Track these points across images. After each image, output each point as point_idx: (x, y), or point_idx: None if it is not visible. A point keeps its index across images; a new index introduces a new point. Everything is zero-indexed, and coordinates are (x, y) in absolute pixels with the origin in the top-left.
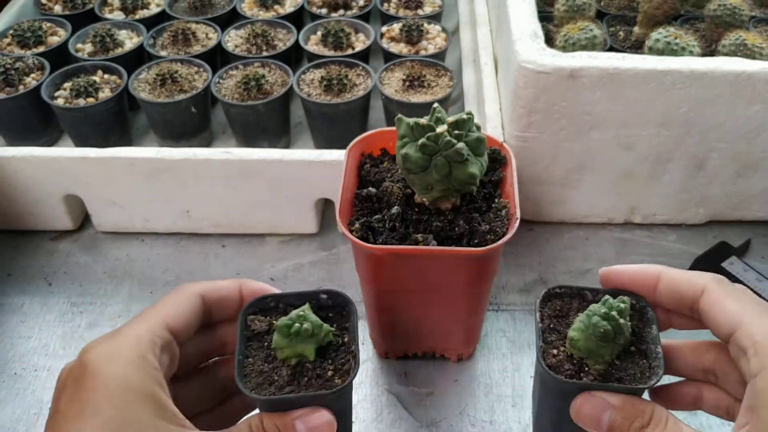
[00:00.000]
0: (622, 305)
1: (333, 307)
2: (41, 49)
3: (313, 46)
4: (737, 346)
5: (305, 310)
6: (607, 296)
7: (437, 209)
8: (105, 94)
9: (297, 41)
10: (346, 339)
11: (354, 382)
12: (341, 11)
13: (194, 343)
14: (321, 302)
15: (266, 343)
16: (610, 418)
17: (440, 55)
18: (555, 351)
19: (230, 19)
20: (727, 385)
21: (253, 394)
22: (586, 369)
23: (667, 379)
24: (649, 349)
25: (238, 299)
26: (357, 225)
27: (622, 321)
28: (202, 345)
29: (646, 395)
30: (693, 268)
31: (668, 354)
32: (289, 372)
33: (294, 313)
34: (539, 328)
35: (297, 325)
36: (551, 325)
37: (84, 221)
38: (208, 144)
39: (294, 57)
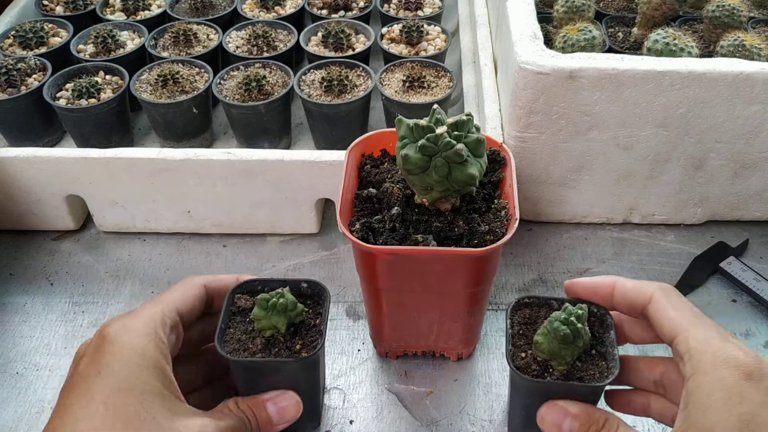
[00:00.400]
0: (579, 311)
1: (312, 295)
2: (43, 50)
3: (313, 47)
4: (676, 351)
5: (284, 290)
6: (567, 304)
7: (437, 210)
8: (107, 94)
9: (298, 42)
10: (317, 321)
11: (354, 381)
12: (342, 12)
13: (196, 328)
14: (302, 290)
15: (248, 319)
16: (570, 424)
17: (440, 56)
18: (523, 354)
19: (231, 20)
20: (674, 395)
21: (228, 356)
22: (551, 370)
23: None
24: (608, 351)
25: (234, 281)
26: (357, 225)
27: (580, 325)
28: (201, 330)
29: (602, 403)
30: (691, 267)
31: (624, 365)
32: (263, 342)
33: (274, 291)
34: (509, 333)
35: (274, 299)
36: (520, 331)
37: (86, 221)
38: (209, 144)
39: (295, 58)
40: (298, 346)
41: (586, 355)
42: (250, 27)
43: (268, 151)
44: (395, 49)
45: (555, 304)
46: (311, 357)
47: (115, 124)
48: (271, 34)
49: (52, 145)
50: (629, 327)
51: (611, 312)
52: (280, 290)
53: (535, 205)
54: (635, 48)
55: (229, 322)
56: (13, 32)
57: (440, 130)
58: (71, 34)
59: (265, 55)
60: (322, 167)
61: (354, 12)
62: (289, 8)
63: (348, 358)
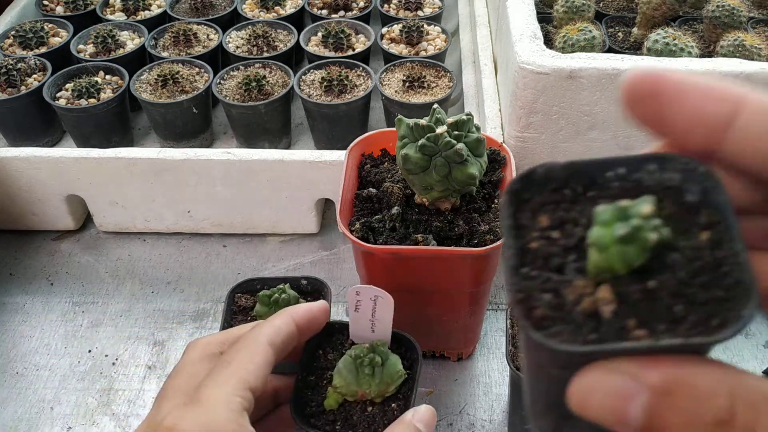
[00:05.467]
0: None
1: (312, 292)
2: (43, 50)
3: (313, 47)
4: None
5: (284, 287)
6: None
7: (437, 209)
8: (106, 94)
9: (298, 42)
10: None
11: None
12: (342, 12)
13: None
14: (301, 287)
15: (249, 318)
16: (645, 406)
17: (440, 56)
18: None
19: (231, 20)
20: None
21: None
22: None
23: None
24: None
25: (296, 334)
26: (357, 225)
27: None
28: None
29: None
30: None
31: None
32: None
33: (275, 288)
34: (509, 333)
35: (276, 295)
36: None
37: (86, 221)
38: (209, 144)
39: (295, 58)
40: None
41: None
42: (250, 27)
43: (268, 151)
44: (395, 49)
45: None
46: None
47: (115, 124)
48: (271, 34)
49: (52, 145)
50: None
51: (704, 165)
52: (281, 286)
53: None
54: (635, 48)
55: (231, 321)
56: (13, 32)
57: (440, 129)
58: (71, 34)
59: (265, 55)
60: (322, 167)
61: (354, 12)
62: (289, 8)
63: None
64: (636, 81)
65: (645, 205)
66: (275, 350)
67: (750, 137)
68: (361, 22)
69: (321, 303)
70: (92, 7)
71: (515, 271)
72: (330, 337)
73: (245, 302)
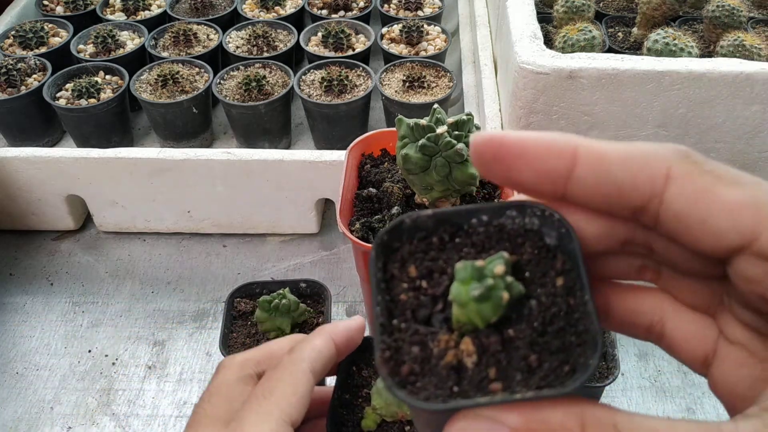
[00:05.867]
0: None
1: (311, 295)
2: (43, 50)
3: (313, 47)
4: (765, 261)
5: (284, 291)
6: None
7: None
8: (106, 94)
9: (298, 42)
10: (321, 320)
11: None
12: (342, 12)
13: None
14: (300, 290)
15: (249, 322)
16: None
17: (440, 56)
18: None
19: (231, 20)
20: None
21: None
22: None
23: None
24: (607, 351)
25: (335, 355)
26: (357, 225)
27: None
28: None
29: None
30: None
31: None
32: None
33: (275, 293)
34: None
35: (276, 300)
36: None
37: (86, 221)
38: (209, 144)
39: (295, 58)
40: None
41: None
42: (250, 27)
43: (268, 151)
44: (395, 49)
45: None
46: None
47: (115, 124)
48: (271, 34)
49: (52, 145)
50: (605, 243)
51: (558, 213)
52: (281, 291)
53: None
54: (635, 48)
55: (231, 326)
56: (13, 32)
57: (441, 129)
58: (71, 34)
59: (265, 55)
60: (322, 167)
61: (354, 12)
62: (289, 8)
63: None
64: (480, 147)
65: (498, 266)
66: (316, 377)
67: (587, 186)
68: (361, 22)
69: (358, 320)
70: (92, 7)
71: (383, 329)
72: (363, 353)
73: (245, 307)
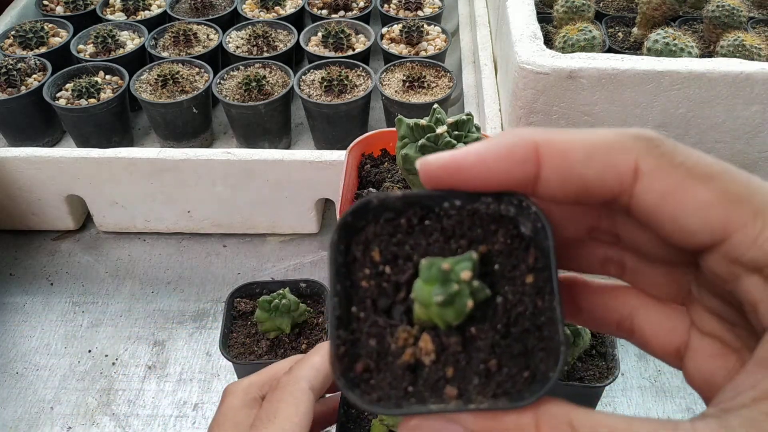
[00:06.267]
0: None
1: (311, 295)
2: (43, 50)
3: (313, 47)
4: (735, 262)
5: (284, 291)
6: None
7: None
8: (106, 94)
9: (298, 42)
10: (320, 320)
11: None
12: (342, 12)
13: None
14: (301, 290)
15: (249, 322)
16: None
17: (440, 56)
18: None
19: (231, 20)
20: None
21: (234, 361)
22: None
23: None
24: (607, 351)
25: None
26: None
27: (579, 326)
28: None
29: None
30: None
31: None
32: (268, 344)
33: (275, 293)
34: None
35: (276, 300)
36: None
37: (86, 221)
38: (209, 144)
39: (295, 58)
40: (303, 346)
41: (586, 354)
42: (250, 27)
43: (268, 151)
44: (395, 49)
45: None
46: None
47: (115, 124)
48: (271, 34)
49: (52, 146)
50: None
51: (536, 206)
52: (281, 291)
53: None
54: (635, 48)
55: (231, 326)
56: (13, 32)
57: (440, 129)
58: (71, 34)
59: (265, 55)
60: (322, 167)
61: (354, 12)
62: (289, 8)
63: None
64: (433, 175)
65: (465, 271)
66: (316, 394)
67: (554, 186)
68: (361, 22)
69: None
70: (92, 7)
71: (339, 322)
72: None
73: (245, 307)
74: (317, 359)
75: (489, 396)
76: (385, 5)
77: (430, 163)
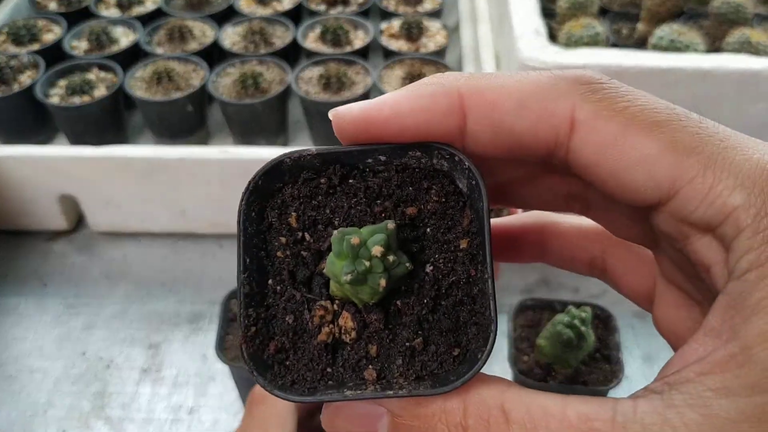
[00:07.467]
0: (584, 314)
1: None
2: (36, 46)
3: (311, 43)
4: (684, 222)
5: None
6: (570, 307)
7: None
8: (100, 92)
9: (295, 38)
10: None
11: None
12: (340, 8)
13: None
14: None
15: None
16: (388, 428)
17: (441, 52)
18: (525, 357)
19: (227, 15)
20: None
21: (231, 364)
22: (553, 373)
23: None
24: (612, 354)
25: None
26: None
27: (583, 329)
28: None
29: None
30: None
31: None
32: None
33: None
34: (511, 336)
35: None
36: (523, 334)
37: (79, 222)
38: (204, 142)
39: (292, 54)
40: None
41: (590, 358)
42: (246, 23)
43: (265, 149)
44: (395, 45)
45: (558, 306)
46: None
47: (109, 121)
48: (268, 30)
49: (45, 144)
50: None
51: (468, 160)
52: None
53: None
54: (640, 44)
55: (227, 329)
56: (5, 29)
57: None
58: (65, 31)
59: (262, 51)
60: None
61: (353, 7)
62: (286, 3)
63: None
64: (345, 128)
65: (376, 246)
66: (301, 407)
67: (483, 141)
68: (360, 18)
69: None
70: (86, 3)
71: (249, 301)
72: None
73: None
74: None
75: (412, 378)
76: (384, 0)
77: (340, 115)
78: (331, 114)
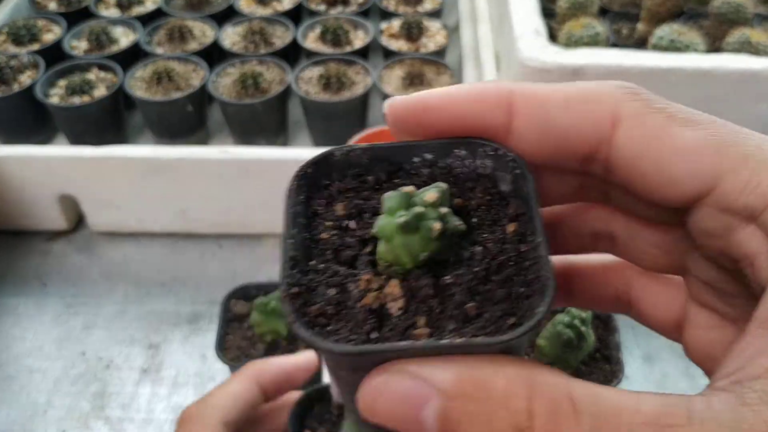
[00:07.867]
0: (584, 314)
1: None
2: (36, 46)
3: (311, 43)
4: (727, 211)
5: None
6: (569, 307)
7: None
8: (100, 92)
9: (295, 38)
10: None
11: None
12: (340, 8)
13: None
14: None
15: (245, 325)
16: (438, 412)
17: (441, 52)
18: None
19: (227, 15)
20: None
21: (230, 364)
22: None
23: None
24: (612, 354)
25: (261, 400)
26: None
27: (583, 329)
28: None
29: None
30: None
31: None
32: (265, 347)
33: (271, 295)
34: None
35: (273, 303)
36: None
37: (79, 222)
38: (204, 142)
39: (292, 54)
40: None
41: (590, 358)
42: (246, 23)
43: (265, 149)
44: (395, 45)
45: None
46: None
47: (109, 121)
48: (268, 30)
49: (45, 144)
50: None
51: (512, 152)
52: (277, 293)
53: None
54: (640, 44)
55: (227, 329)
56: (5, 29)
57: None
58: (65, 31)
59: (262, 51)
60: None
61: (353, 7)
62: (286, 3)
63: None
64: (399, 115)
65: (429, 192)
66: (231, 428)
67: (530, 138)
68: (360, 18)
69: (304, 357)
70: (86, 3)
71: (293, 264)
72: (311, 410)
73: (241, 309)
74: (237, 387)
75: (467, 337)
76: (384, 0)
77: (396, 104)
78: (387, 103)
